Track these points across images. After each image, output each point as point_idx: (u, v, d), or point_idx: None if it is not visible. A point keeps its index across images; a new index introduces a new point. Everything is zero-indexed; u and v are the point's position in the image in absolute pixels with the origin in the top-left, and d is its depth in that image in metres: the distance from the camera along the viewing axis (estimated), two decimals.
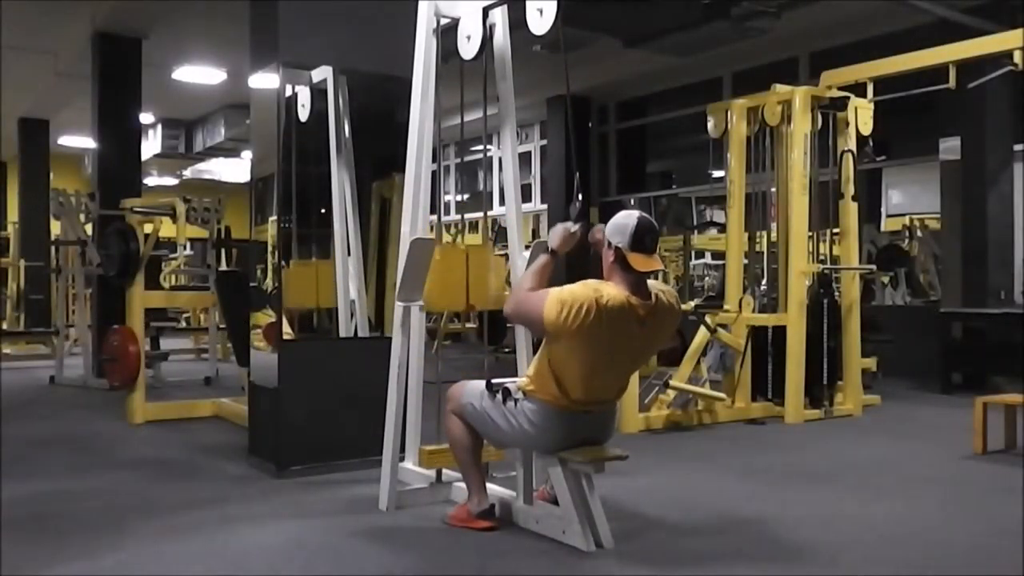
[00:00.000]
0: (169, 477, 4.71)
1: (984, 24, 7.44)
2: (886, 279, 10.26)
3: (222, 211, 8.55)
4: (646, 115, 13.39)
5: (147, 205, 7.70)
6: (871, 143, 7.19)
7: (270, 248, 9.39)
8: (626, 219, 3.32)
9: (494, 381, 3.54)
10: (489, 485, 3.76)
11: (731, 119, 6.96)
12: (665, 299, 3.37)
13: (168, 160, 17.71)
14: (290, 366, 4.65)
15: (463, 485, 3.76)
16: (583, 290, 3.22)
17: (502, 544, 3.44)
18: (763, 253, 7.21)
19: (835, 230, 7.13)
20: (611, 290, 3.25)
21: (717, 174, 8.29)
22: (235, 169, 17.71)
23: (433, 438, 4.10)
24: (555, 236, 3.47)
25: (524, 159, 14.30)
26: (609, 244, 3.31)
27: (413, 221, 3.97)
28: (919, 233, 10.82)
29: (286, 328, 4.96)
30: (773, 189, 7.07)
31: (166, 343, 10.19)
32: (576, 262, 3.68)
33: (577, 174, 3.51)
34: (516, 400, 3.42)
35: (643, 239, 3.26)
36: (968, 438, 5.25)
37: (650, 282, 3.37)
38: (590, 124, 13.43)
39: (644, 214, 3.36)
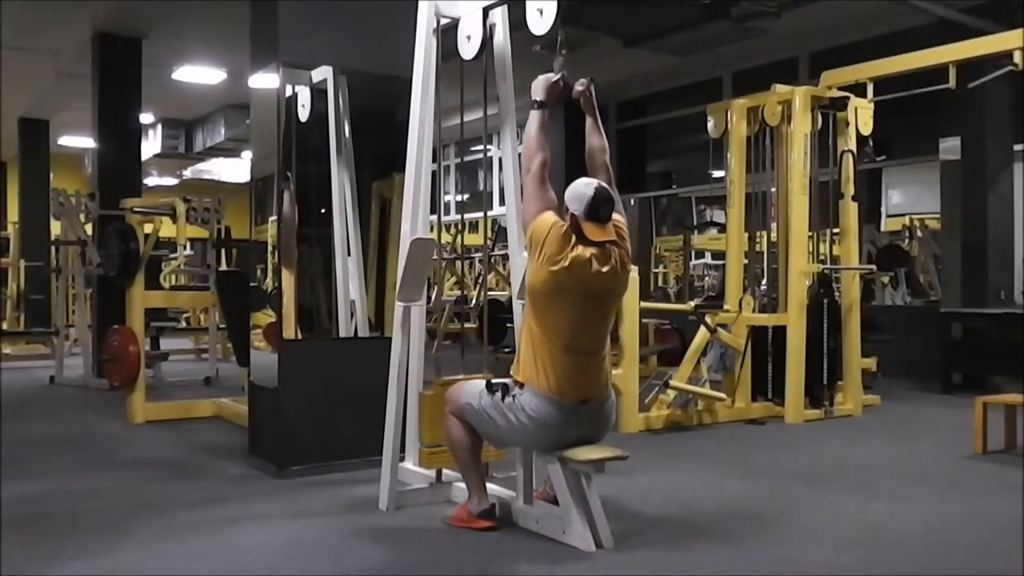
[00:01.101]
0: (169, 477, 4.71)
1: (984, 24, 7.44)
2: (886, 279, 10.25)
3: (222, 211, 8.56)
4: (646, 115, 13.38)
5: (147, 205, 7.70)
6: (871, 143, 7.18)
7: (270, 248, 9.39)
8: (585, 188, 3.39)
9: (494, 381, 3.55)
10: (489, 485, 3.76)
11: (731, 119, 6.96)
12: (623, 257, 3.44)
13: (168, 160, 17.70)
14: (290, 366, 4.65)
15: (463, 485, 3.76)
16: (566, 238, 3.32)
17: (502, 544, 3.44)
18: (763, 253, 7.21)
19: (835, 230, 7.12)
20: (579, 247, 3.34)
21: (717, 174, 8.29)
22: (235, 169, 17.70)
23: None
24: (538, 88, 3.61)
25: None
26: (566, 209, 3.38)
27: (413, 221, 3.97)
28: (919, 233, 10.81)
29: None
30: (773, 189, 7.07)
31: (166, 343, 10.18)
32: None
33: (561, 32, 3.58)
34: (514, 395, 3.43)
35: (598, 209, 3.33)
36: (968, 438, 5.25)
37: (615, 217, 3.43)
38: None
39: (603, 184, 3.44)
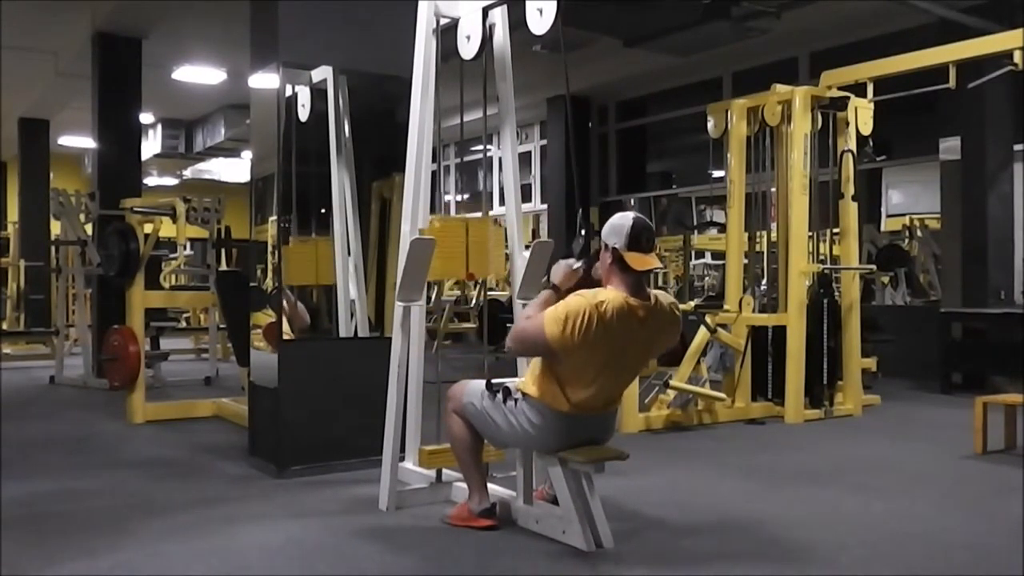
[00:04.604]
0: (169, 477, 4.71)
1: (984, 24, 7.44)
2: (886, 279, 10.25)
3: (222, 211, 8.55)
4: (646, 115, 13.39)
5: (147, 205, 7.70)
6: (871, 143, 7.18)
7: (270, 248, 9.39)
8: (622, 220, 3.35)
9: (494, 381, 3.55)
10: (489, 485, 3.76)
11: (731, 119, 6.96)
12: (665, 303, 3.40)
13: (168, 160, 17.70)
14: (290, 366, 4.65)
15: (463, 485, 3.76)
16: (579, 300, 3.24)
17: (502, 544, 3.44)
18: (763, 253, 7.21)
19: (835, 230, 7.13)
20: (608, 294, 3.27)
21: (717, 174, 8.29)
22: (235, 169, 17.71)
23: (433, 438, 4.10)
24: (558, 273, 3.50)
25: (524, 159, 14.29)
26: (606, 246, 3.33)
27: (413, 221, 3.97)
28: (919, 233, 10.80)
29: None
30: (773, 189, 7.07)
31: (166, 343, 10.18)
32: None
33: (580, 211, 3.56)
34: (516, 400, 3.43)
35: (639, 238, 3.29)
36: (968, 438, 5.25)
37: (650, 290, 3.39)
38: (590, 124, 13.43)
39: (639, 215, 3.40)
